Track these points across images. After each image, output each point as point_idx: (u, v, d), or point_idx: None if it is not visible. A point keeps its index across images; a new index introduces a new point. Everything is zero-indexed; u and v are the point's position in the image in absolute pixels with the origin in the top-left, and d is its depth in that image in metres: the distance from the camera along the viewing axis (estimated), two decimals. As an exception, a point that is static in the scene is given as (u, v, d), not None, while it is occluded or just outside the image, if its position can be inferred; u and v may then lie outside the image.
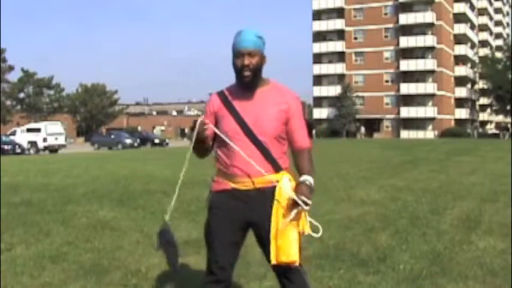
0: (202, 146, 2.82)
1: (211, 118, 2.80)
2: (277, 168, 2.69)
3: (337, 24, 76.98)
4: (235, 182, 2.72)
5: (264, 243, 2.72)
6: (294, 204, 2.54)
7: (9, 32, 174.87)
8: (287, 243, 2.59)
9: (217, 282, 2.74)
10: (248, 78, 2.66)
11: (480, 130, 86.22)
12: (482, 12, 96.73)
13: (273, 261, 2.61)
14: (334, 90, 73.53)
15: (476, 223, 6.51)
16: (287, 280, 2.71)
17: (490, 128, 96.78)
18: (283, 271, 2.70)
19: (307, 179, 2.62)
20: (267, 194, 2.66)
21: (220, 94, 2.81)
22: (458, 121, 77.33)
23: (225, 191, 2.74)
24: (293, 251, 2.59)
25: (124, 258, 4.89)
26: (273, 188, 2.66)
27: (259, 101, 2.71)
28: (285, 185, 2.63)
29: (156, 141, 51.53)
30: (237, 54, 2.66)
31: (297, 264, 2.63)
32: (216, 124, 2.78)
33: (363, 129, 72.81)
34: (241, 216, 2.72)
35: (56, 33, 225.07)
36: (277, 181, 2.66)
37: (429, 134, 70.32)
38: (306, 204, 2.51)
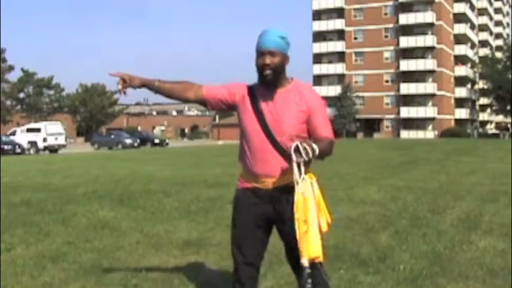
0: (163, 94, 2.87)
1: (229, 95, 2.82)
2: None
3: (337, 24, 76.97)
4: (256, 181, 2.77)
5: (285, 239, 2.78)
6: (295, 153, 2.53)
7: (9, 32, 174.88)
8: (309, 239, 2.61)
9: (245, 279, 2.79)
10: (269, 77, 2.71)
11: (480, 130, 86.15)
12: (482, 12, 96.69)
13: (304, 258, 2.60)
14: (334, 90, 73.48)
15: (476, 223, 6.51)
16: (311, 284, 2.73)
17: (490, 128, 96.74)
18: (302, 271, 2.72)
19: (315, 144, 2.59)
20: (287, 191, 2.70)
21: (247, 88, 2.85)
22: (458, 121, 77.31)
23: (248, 188, 2.81)
24: (315, 247, 2.60)
25: (124, 258, 4.89)
26: (293, 185, 2.68)
27: (279, 100, 2.75)
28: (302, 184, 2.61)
29: (156, 141, 51.50)
30: (259, 53, 2.72)
31: (321, 260, 2.65)
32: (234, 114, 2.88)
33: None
34: (263, 213, 2.77)
35: (56, 33, 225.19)
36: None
37: (429, 134, 70.30)
38: (306, 152, 2.49)
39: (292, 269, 2.87)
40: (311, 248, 2.59)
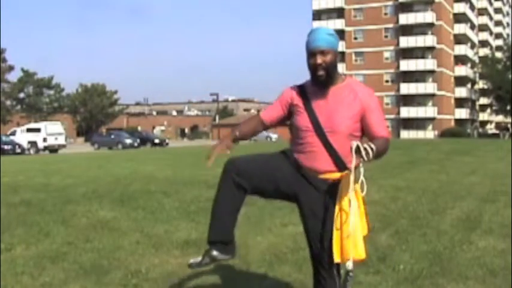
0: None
1: (284, 108, 2.87)
2: (342, 168, 2.72)
3: (337, 24, 76.92)
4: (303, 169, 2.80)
5: (312, 235, 2.79)
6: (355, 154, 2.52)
7: (9, 32, 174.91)
8: (358, 240, 2.66)
9: (237, 180, 2.85)
10: (322, 77, 2.70)
11: (480, 130, 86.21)
12: (482, 12, 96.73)
13: (338, 259, 2.66)
14: (334, 90, 73.42)
15: (476, 223, 6.50)
16: (323, 279, 2.80)
17: (490, 128, 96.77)
18: (323, 270, 2.78)
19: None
20: (326, 187, 2.73)
21: (298, 88, 2.86)
22: (458, 121, 77.34)
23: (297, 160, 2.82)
24: (362, 248, 2.68)
25: (124, 258, 4.89)
26: (335, 185, 2.72)
27: (332, 99, 2.74)
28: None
29: (156, 141, 51.56)
30: (310, 53, 2.70)
31: (363, 259, 2.73)
32: (286, 114, 2.89)
33: None
34: (293, 184, 2.77)
35: (56, 33, 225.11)
36: (340, 179, 2.71)
37: (429, 134, 70.33)
38: (367, 153, 2.47)
39: (316, 266, 2.85)
40: (357, 249, 2.66)
